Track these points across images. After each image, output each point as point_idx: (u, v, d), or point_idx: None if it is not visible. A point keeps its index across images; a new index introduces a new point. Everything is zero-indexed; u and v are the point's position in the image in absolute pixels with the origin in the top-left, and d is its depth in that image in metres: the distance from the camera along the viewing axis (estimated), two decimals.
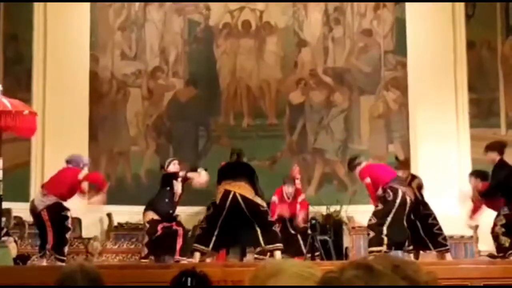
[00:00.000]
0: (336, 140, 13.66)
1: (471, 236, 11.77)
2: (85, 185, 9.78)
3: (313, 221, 10.15)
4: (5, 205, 8.94)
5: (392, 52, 13.68)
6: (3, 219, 9.31)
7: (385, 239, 9.15)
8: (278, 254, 9.20)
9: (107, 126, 13.44)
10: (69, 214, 9.49)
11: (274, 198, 10.91)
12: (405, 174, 9.92)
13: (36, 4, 12.82)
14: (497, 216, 9.18)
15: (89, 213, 12.19)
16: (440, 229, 9.77)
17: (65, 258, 9.35)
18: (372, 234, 9.33)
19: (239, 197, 9.17)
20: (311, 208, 11.93)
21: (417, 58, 13.12)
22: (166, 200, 10.24)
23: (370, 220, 9.44)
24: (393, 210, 9.26)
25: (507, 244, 9.00)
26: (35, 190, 11.64)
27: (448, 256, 9.82)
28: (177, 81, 13.94)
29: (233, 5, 14.05)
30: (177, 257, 10.00)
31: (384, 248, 9.08)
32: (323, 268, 1.69)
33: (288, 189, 10.93)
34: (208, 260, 9.73)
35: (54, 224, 9.30)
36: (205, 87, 13.89)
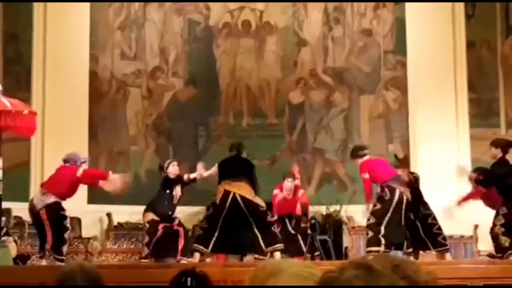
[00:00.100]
0: (336, 139, 13.67)
1: (470, 236, 11.78)
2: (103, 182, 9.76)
3: (313, 221, 10.15)
4: (5, 205, 8.93)
5: (392, 52, 13.68)
6: (3, 218, 9.31)
7: (382, 239, 9.16)
8: (277, 254, 9.20)
9: (106, 125, 13.44)
10: (67, 213, 9.49)
11: (276, 191, 10.92)
12: (404, 173, 9.91)
13: (36, 4, 12.82)
14: (496, 216, 9.19)
15: (88, 213, 12.21)
16: (439, 228, 9.77)
17: (64, 258, 9.34)
18: (370, 233, 9.34)
19: (238, 198, 9.18)
20: (311, 208, 11.94)
21: (417, 57, 13.13)
22: (166, 202, 10.32)
23: (368, 219, 9.45)
24: (390, 210, 9.26)
25: (507, 244, 9.00)
26: (35, 190, 11.63)
27: (448, 256, 9.82)
28: (177, 81, 13.94)
29: (233, 5, 14.05)
30: (179, 257, 10.04)
31: (382, 248, 9.08)
32: (323, 268, 1.69)
33: (287, 184, 10.93)
34: (208, 260, 9.73)
35: (53, 224, 9.29)
36: (205, 86, 13.89)
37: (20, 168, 12.07)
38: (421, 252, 9.99)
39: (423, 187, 10.05)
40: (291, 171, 11.10)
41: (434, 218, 9.81)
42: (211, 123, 13.88)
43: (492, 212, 9.38)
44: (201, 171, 10.31)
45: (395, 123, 13.50)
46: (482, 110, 12.89)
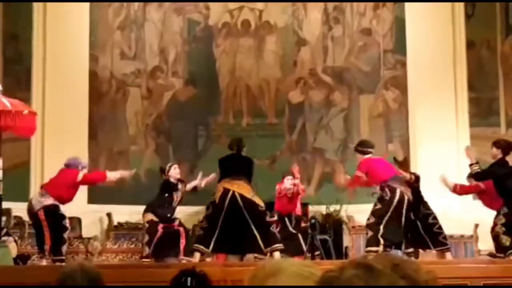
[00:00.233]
0: (336, 139, 13.66)
1: (471, 236, 11.78)
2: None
3: (313, 220, 10.15)
4: (5, 204, 8.93)
5: (391, 51, 13.68)
6: (3, 218, 9.31)
7: (381, 239, 9.16)
8: (277, 254, 9.20)
9: (106, 125, 13.44)
10: (65, 213, 9.51)
11: (278, 187, 10.93)
12: (406, 174, 9.90)
13: (35, 4, 12.82)
14: (497, 215, 9.19)
15: (89, 213, 12.21)
16: (440, 228, 9.78)
17: (64, 258, 9.35)
18: (370, 233, 9.33)
19: (237, 196, 9.18)
20: (311, 208, 11.95)
21: (417, 57, 13.12)
22: (165, 205, 10.39)
23: (368, 219, 9.45)
24: (390, 210, 9.26)
25: (508, 243, 9.00)
26: (35, 190, 11.64)
27: (448, 255, 9.82)
28: (177, 81, 13.94)
29: (232, 5, 14.05)
30: (181, 257, 10.06)
31: (380, 248, 9.07)
32: (323, 268, 1.69)
33: (287, 183, 10.93)
34: (208, 259, 9.74)
35: (51, 224, 9.30)
36: (204, 86, 13.89)
37: (20, 168, 12.07)
38: (421, 251, 9.99)
39: (423, 187, 10.05)
40: (291, 170, 11.10)
41: (435, 218, 9.81)
42: (211, 123, 13.88)
43: (493, 212, 9.38)
44: (200, 181, 10.39)
45: (395, 122, 13.50)
46: (482, 110, 12.89)
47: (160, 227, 10.38)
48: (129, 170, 11.08)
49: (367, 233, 9.46)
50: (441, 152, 12.53)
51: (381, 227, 9.20)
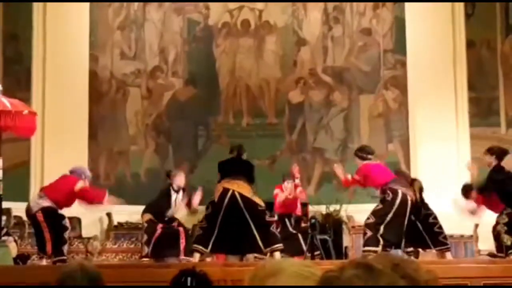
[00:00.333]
0: (336, 139, 13.66)
1: (471, 236, 11.78)
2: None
3: (313, 220, 10.15)
4: (5, 204, 8.93)
5: (391, 51, 13.68)
6: (3, 218, 9.32)
7: (381, 239, 9.15)
8: (277, 254, 9.19)
9: (106, 125, 13.44)
10: (65, 213, 9.51)
11: (277, 190, 10.93)
12: (409, 179, 9.92)
13: (35, 4, 12.82)
14: (500, 214, 9.20)
15: (88, 213, 12.19)
16: (440, 227, 9.76)
17: (65, 258, 9.35)
18: (369, 233, 9.32)
19: (237, 195, 9.16)
20: (311, 208, 11.94)
21: (417, 57, 13.12)
22: (163, 210, 10.47)
23: (368, 219, 9.44)
24: (392, 211, 9.25)
25: (509, 243, 9.00)
26: (34, 190, 11.64)
27: (448, 255, 9.81)
28: (177, 81, 13.94)
29: (232, 5, 14.05)
30: (181, 257, 10.07)
31: (379, 249, 9.06)
32: (323, 268, 1.69)
33: (287, 185, 10.94)
34: (207, 259, 9.73)
35: (51, 225, 9.30)
36: (204, 86, 13.89)
37: (20, 168, 12.07)
38: (421, 251, 9.98)
39: (423, 187, 10.04)
40: (291, 171, 11.10)
41: (435, 218, 9.80)
42: (211, 123, 13.87)
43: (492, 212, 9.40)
44: (195, 202, 10.46)
45: (395, 122, 13.50)
46: (482, 109, 12.88)
47: (159, 226, 10.42)
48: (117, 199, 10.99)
49: (365, 233, 9.44)
50: (441, 152, 12.53)
51: (382, 227, 9.19)
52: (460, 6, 13.02)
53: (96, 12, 13.45)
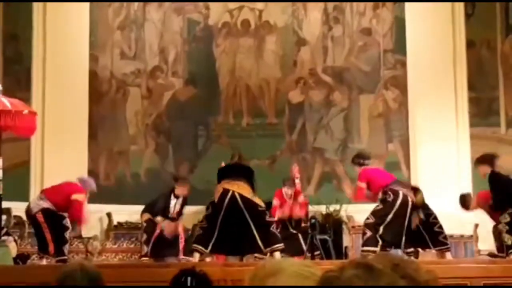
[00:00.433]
0: (336, 139, 13.66)
1: (471, 236, 11.78)
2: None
3: (313, 220, 10.15)
4: (5, 204, 8.94)
5: (391, 51, 13.67)
6: (3, 218, 9.32)
7: (380, 239, 9.15)
8: (277, 254, 9.18)
9: (106, 125, 13.44)
10: (65, 214, 9.52)
11: (275, 203, 10.92)
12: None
13: (35, 4, 12.81)
14: (502, 214, 9.21)
15: (88, 213, 12.19)
16: (441, 227, 9.77)
17: (66, 258, 9.36)
18: (368, 233, 9.32)
19: (237, 196, 9.16)
20: (311, 208, 11.93)
21: (417, 57, 13.12)
22: (163, 212, 10.54)
23: (367, 218, 9.44)
24: (393, 211, 9.26)
25: (510, 242, 9.01)
26: (34, 190, 11.65)
27: (448, 255, 9.81)
28: (177, 81, 13.94)
29: (232, 4, 14.04)
30: (181, 256, 10.09)
31: (378, 249, 9.06)
32: (323, 268, 1.69)
33: (288, 191, 10.96)
34: (207, 259, 9.74)
35: (51, 225, 9.31)
36: (204, 86, 13.88)
37: (20, 168, 12.06)
38: (421, 251, 9.99)
39: (423, 187, 10.04)
40: (291, 175, 11.10)
41: (435, 218, 9.80)
42: (211, 123, 13.87)
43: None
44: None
45: (395, 122, 13.50)
46: (482, 109, 12.88)
47: (158, 226, 10.44)
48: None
49: (364, 233, 9.45)
50: (441, 152, 12.53)
51: (381, 227, 9.20)
52: (460, 6, 13.01)
53: (96, 12, 13.45)
